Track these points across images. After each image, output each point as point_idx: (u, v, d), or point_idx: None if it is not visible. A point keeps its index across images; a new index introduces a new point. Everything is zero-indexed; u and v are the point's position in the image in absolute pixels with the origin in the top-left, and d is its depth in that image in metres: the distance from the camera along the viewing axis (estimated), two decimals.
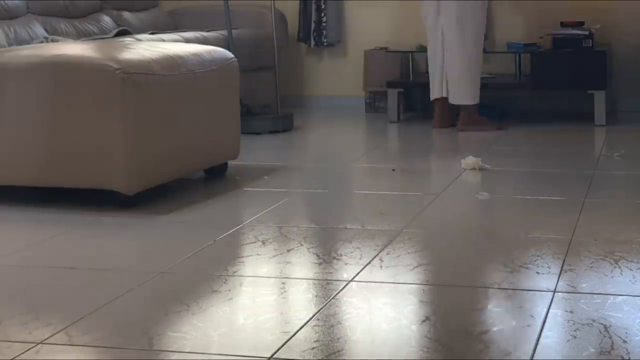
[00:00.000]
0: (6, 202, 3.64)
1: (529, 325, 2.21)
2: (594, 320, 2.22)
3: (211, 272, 2.73)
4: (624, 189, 3.88)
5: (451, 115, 5.43)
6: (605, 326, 2.18)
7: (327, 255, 2.86)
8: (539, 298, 2.40)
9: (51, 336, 2.21)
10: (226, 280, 2.63)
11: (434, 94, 5.39)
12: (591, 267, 2.65)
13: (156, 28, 5.84)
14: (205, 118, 3.88)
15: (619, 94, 5.78)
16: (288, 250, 2.93)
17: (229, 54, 4.12)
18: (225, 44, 5.18)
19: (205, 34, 5.46)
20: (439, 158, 4.80)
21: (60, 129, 3.52)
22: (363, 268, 2.71)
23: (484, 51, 5.74)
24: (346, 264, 2.76)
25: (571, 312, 2.29)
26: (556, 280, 2.54)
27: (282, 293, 2.54)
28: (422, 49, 5.67)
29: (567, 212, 3.33)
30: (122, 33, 5.36)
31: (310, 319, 2.29)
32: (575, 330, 2.16)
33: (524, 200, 3.62)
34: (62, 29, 5.34)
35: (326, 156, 4.89)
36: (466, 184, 3.95)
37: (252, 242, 3.04)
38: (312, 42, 6.31)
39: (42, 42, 4.87)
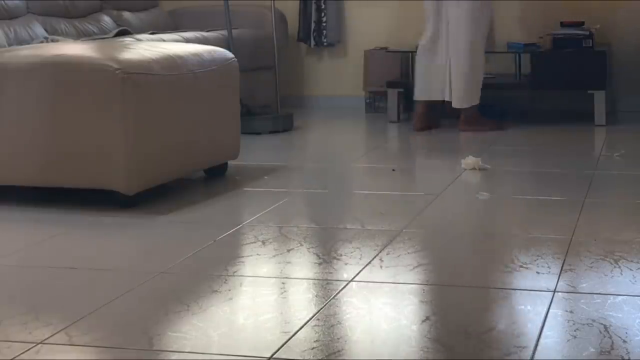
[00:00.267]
0: (6, 202, 3.64)
1: (529, 325, 2.21)
2: (594, 320, 2.22)
3: (211, 272, 2.73)
4: (624, 189, 3.87)
5: (434, 117, 5.42)
6: (605, 326, 2.18)
7: (327, 255, 2.86)
8: (539, 298, 2.40)
9: (51, 336, 2.21)
10: (226, 280, 2.64)
11: (426, 95, 5.35)
12: (591, 267, 2.65)
13: (156, 28, 5.84)
14: (205, 118, 3.88)
15: (619, 94, 5.78)
16: (288, 250, 2.93)
17: (229, 54, 4.12)
18: (225, 44, 5.18)
19: (205, 34, 5.46)
20: (439, 158, 4.80)
21: (60, 129, 3.52)
22: (363, 268, 2.71)
23: (484, 51, 5.75)
24: (346, 264, 2.76)
25: (571, 312, 2.29)
26: (556, 280, 2.54)
27: (282, 293, 2.54)
28: None
29: (567, 212, 3.33)
30: (122, 33, 5.36)
31: (310, 319, 2.29)
32: (575, 330, 2.16)
33: (524, 200, 3.62)
34: (62, 29, 5.34)
35: (326, 156, 4.89)
36: (466, 184, 3.95)
37: (252, 242, 3.04)
38: (312, 42, 6.31)
39: (42, 42, 4.87)
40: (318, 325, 2.24)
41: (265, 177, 4.09)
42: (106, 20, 5.74)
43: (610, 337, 2.11)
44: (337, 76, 6.38)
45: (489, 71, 5.78)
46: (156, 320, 2.32)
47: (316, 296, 2.51)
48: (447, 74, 5.30)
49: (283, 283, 2.62)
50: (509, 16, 5.93)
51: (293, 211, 3.56)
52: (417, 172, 4.41)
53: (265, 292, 2.54)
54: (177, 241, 3.10)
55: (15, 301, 2.53)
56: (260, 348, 2.11)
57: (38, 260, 2.94)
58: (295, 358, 2.05)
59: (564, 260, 2.71)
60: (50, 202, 3.63)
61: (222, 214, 3.51)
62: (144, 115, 3.52)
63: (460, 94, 5.28)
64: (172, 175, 3.77)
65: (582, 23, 5.59)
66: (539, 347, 2.07)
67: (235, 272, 2.72)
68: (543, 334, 2.15)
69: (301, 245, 2.98)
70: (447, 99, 5.33)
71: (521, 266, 2.68)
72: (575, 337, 2.13)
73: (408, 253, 2.88)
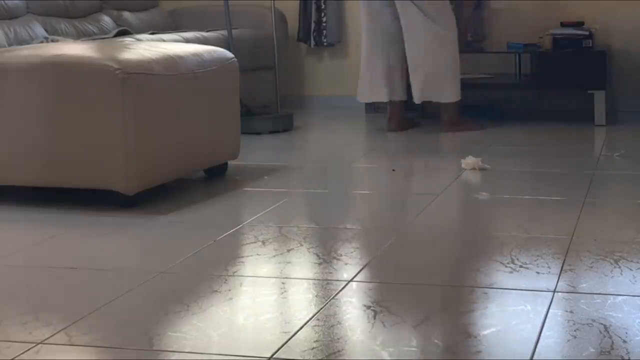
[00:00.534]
0: (6, 202, 3.64)
1: (529, 325, 2.21)
2: (594, 320, 2.22)
3: (211, 272, 2.73)
4: (624, 189, 3.88)
5: (408, 117, 5.41)
6: (605, 326, 2.18)
7: (327, 255, 2.86)
8: (539, 298, 2.40)
9: (51, 336, 2.21)
10: (226, 280, 2.64)
11: (378, 96, 5.35)
12: (591, 267, 2.65)
13: (156, 28, 5.84)
14: (205, 118, 3.88)
15: (619, 94, 5.78)
16: (288, 250, 2.93)
17: (229, 54, 4.12)
18: (225, 44, 5.18)
19: (205, 34, 5.46)
20: (439, 158, 4.80)
21: (60, 129, 3.53)
22: (363, 268, 2.71)
23: (484, 51, 5.75)
24: (346, 264, 2.76)
25: (571, 312, 2.29)
26: (556, 280, 2.54)
27: (282, 293, 2.54)
28: None
29: (567, 212, 3.33)
30: (122, 33, 5.37)
31: (310, 319, 2.29)
32: (575, 330, 2.16)
33: (524, 200, 3.62)
34: (62, 29, 5.34)
35: (326, 156, 4.88)
36: (466, 184, 3.95)
37: (252, 242, 3.04)
38: (312, 42, 6.31)
39: (42, 42, 4.87)
40: (318, 325, 2.24)
41: (265, 177, 4.09)
42: (106, 20, 5.74)
43: (610, 337, 2.11)
44: (337, 76, 6.38)
45: (489, 71, 5.79)
46: (156, 320, 2.32)
47: (316, 296, 2.51)
48: (394, 73, 5.28)
49: (283, 283, 2.62)
50: (509, 16, 5.93)
51: (293, 211, 3.56)
52: (417, 172, 4.41)
53: (265, 292, 2.54)
54: (177, 241, 3.10)
55: (15, 301, 2.53)
56: (260, 348, 2.11)
57: (38, 260, 2.94)
58: (295, 358, 2.05)
59: (564, 260, 2.71)
60: (50, 202, 3.63)
61: (222, 214, 3.51)
62: (144, 116, 3.52)
63: (434, 89, 5.19)
64: (172, 175, 3.77)
65: (582, 23, 5.59)
66: (538, 347, 2.07)
67: (235, 272, 2.72)
68: (543, 334, 2.15)
69: (301, 245, 2.99)
70: (402, 98, 5.30)
71: (521, 266, 2.68)
72: (575, 337, 2.13)
73: (408, 253, 2.88)
